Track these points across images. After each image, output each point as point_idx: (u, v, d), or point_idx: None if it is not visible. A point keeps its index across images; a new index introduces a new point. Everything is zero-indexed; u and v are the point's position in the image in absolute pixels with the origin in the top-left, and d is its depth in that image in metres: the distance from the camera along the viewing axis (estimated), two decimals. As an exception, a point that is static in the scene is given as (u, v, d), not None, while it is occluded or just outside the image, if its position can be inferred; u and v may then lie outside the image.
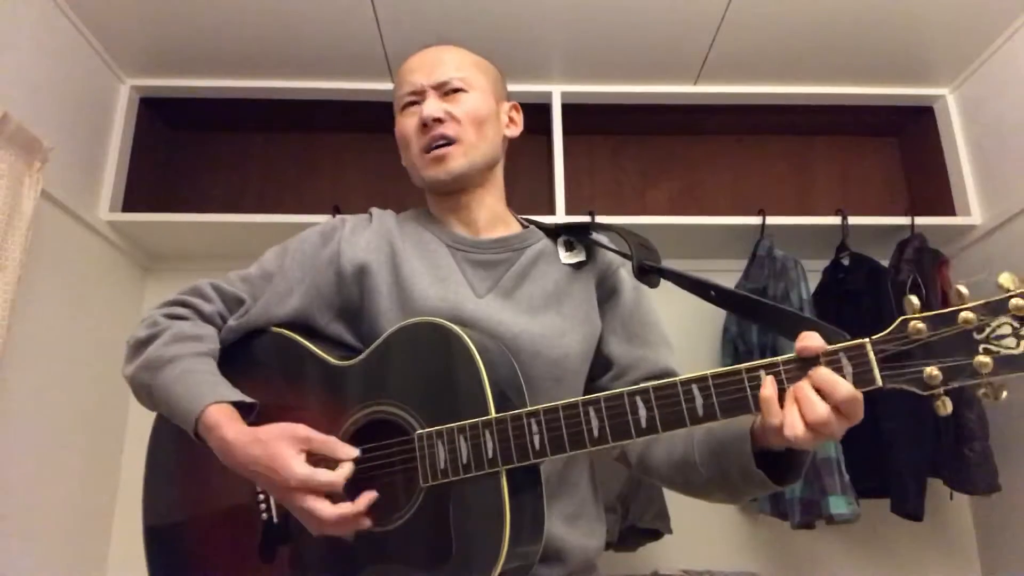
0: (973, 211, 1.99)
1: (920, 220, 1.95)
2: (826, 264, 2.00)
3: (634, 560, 1.85)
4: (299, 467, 0.80)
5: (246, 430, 0.85)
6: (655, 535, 1.75)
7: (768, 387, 0.70)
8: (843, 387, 0.67)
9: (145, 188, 2.09)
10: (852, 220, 1.94)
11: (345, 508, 0.79)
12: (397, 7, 1.80)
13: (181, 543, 0.99)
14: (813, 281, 1.96)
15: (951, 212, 2.04)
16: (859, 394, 0.67)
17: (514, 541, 0.78)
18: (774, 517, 1.83)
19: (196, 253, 2.09)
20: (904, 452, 1.71)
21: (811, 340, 0.70)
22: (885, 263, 1.96)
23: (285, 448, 0.81)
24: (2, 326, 1.40)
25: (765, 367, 0.71)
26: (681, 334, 1.91)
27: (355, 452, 0.84)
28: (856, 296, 1.88)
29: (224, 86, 2.06)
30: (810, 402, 0.67)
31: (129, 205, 1.97)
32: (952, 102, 2.11)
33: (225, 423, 0.85)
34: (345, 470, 0.81)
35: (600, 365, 1.02)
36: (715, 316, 2.01)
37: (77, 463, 1.79)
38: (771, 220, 1.95)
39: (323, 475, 0.80)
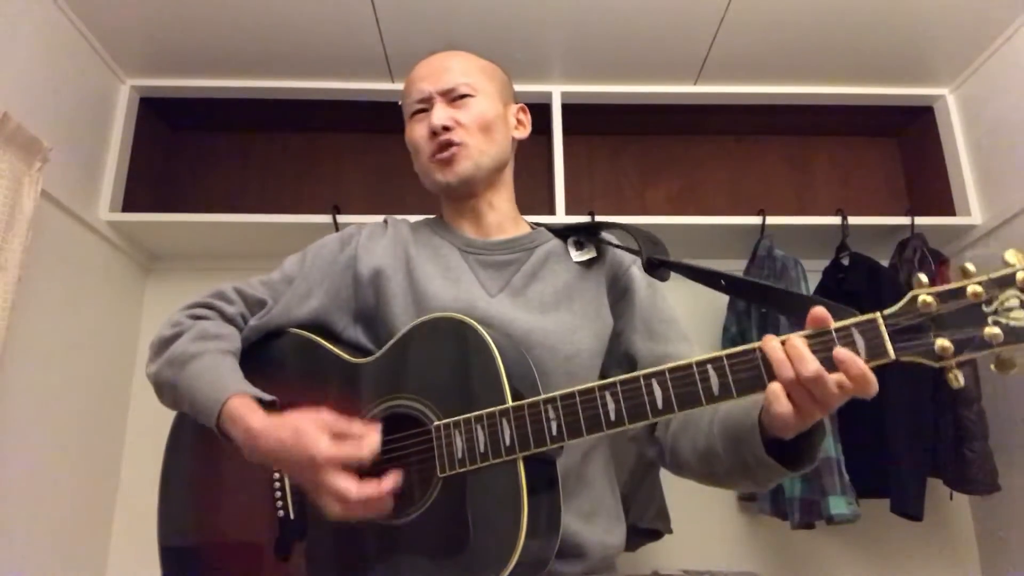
0: (973, 211, 1.99)
1: (920, 220, 1.95)
2: (826, 264, 2.00)
3: (634, 560, 1.85)
4: (326, 444, 0.80)
5: (271, 417, 0.86)
6: (655, 535, 1.75)
7: (771, 341, 0.71)
8: (857, 363, 0.67)
9: (145, 188, 2.09)
10: (852, 220, 1.94)
11: (371, 488, 0.79)
12: (397, 7, 1.80)
13: (196, 541, 1.00)
14: (813, 281, 1.96)
15: (951, 212, 2.04)
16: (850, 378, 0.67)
17: (531, 530, 0.77)
18: (774, 517, 1.83)
19: (196, 253, 2.08)
20: (904, 452, 1.71)
21: (823, 314, 0.70)
22: (885, 263, 1.96)
23: (312, 428, 0.81)
24: (2, 326, 1.40)
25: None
26: (681, 334, 1.93)
27: (377, 431, 0.83)
28: (856, 296, 1.88)
29: (224, 86, 2.05)
30: (802, 359, 0.68)
31: (129, 205, 1.97)
32: (952, 102, 2.11)
33: (249, 413, 0.86)
34: (371, 445, 0.80)
35: (624, 364, 1.02)
36: (715, 316, 2.01)
37: (77, 463, 1.79)
38: (771, 220, 1.95)
39: (350, 448, 0.79)
